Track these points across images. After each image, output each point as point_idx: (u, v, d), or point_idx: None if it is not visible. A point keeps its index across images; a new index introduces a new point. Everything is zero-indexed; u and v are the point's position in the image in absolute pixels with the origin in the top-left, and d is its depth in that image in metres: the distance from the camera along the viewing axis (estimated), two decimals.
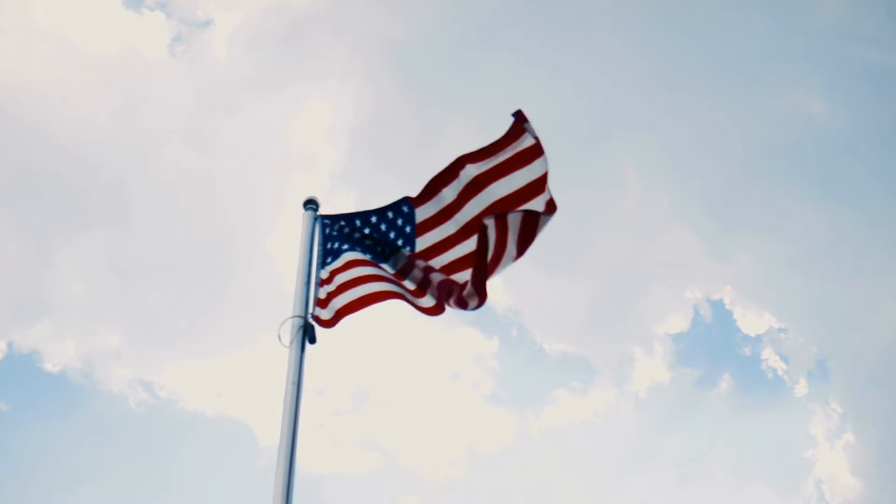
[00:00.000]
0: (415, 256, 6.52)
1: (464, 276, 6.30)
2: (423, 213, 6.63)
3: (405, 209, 6.63)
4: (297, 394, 5.57)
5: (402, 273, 6.52)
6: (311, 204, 6.66)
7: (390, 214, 6.61)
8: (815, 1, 23.38)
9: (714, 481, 21.02)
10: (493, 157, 6.47)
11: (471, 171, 6.50)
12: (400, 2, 23.05)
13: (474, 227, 6.31)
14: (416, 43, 22.67)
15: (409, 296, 6.51)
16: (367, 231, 6.59)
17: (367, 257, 6.51)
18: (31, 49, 20.91)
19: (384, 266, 6.53)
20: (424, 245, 6.58)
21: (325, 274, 6.31)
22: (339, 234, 6.56)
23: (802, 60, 23.25)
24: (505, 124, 6.48)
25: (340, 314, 6.27)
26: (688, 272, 22.96)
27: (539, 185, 6.34)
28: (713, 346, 23.17)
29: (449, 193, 6.58)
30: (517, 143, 6.44)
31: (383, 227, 6.60)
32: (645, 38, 22.90)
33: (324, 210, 6.67)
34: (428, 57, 22.92)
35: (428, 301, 6.49)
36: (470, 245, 6.34)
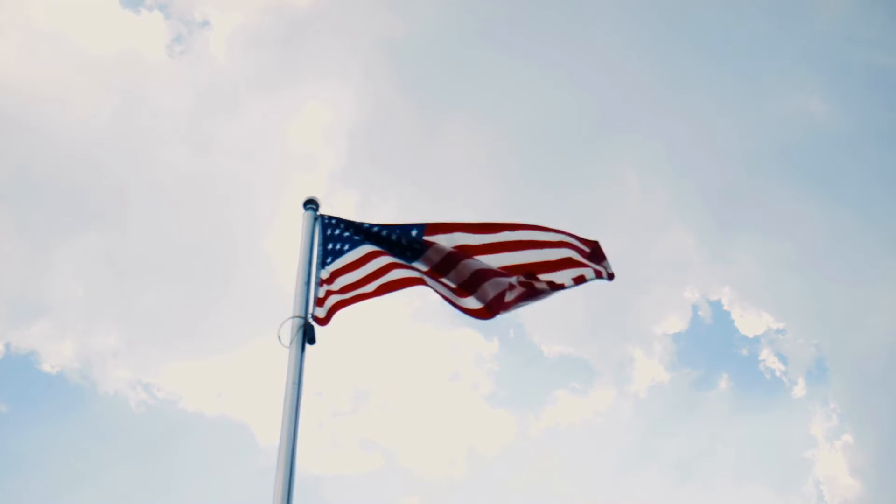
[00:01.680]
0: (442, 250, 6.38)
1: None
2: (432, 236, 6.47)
3: (413, 233, 6.48)
4: (298, 394, 5.56)
5: (438, 269, 6.38)
6: (311, 204, 6.65)
7: (397, 231, 6.49)
8: (816, 3, 23.40)
9: (714, 481, 21.03)
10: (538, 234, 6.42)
11: (505, 234, 6.42)
12: (400, 2, 23.07)
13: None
14: (416, 43, 22.68)
15: (448, 293, 6.35)
16: (373, 230, 6.51)
17: (376, 248, 6.38)
18: (31, 49, 20.91)
19: (397, 258, 6.38)
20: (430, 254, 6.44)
21: (325, 274, 6.28)
22: (340, 234, 6.52)
23: (803, 62, 23.29)
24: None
25: (337, 308, 6.16)
26: (687, 272, 22.97)
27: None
28: (712, 346, 23.19)
29: (467, 236, 6.44)
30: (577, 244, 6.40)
31: (390, 234, 6.51)
32: (645, 39, 22.92)
33: (324, 210, 6.67)
34: (428, 57, 22.94)
35: (472, 303, 6.33)
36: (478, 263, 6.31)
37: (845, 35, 22.77)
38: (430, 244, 6.37)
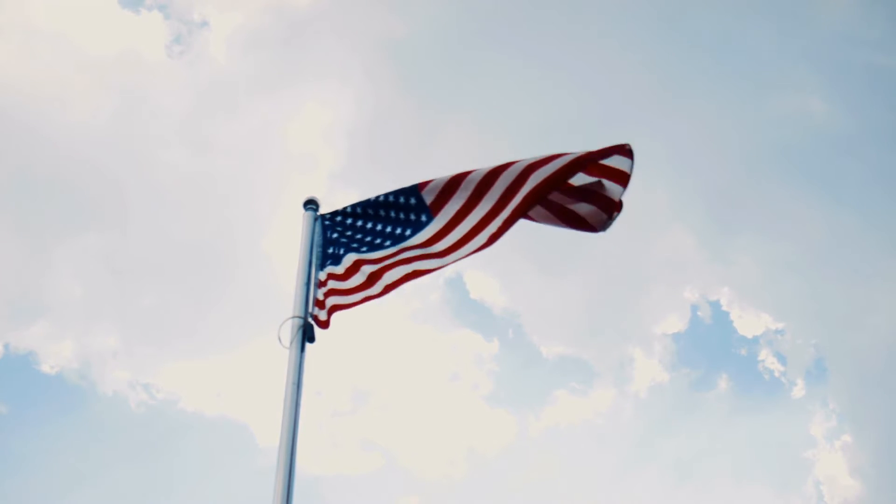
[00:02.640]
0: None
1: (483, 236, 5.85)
2: (434, 196, 6.18)
3: (413, 199, 6.27)
4: (297, 394, 5.56)
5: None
6: (311, 204, 6.64)
7: (401, 199, 6.30)
8: (816, 3, 23.40)
9: (713, 481, 21.05)
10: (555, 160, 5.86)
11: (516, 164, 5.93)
12: (400, 2, 23.07)
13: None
14: (416, 43, 22.69)
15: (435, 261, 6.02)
16: (374, 212, 6.40)
17: (372, 255, 6.25)
18: (31, 49, 20.92)
19: (394, 249, 6.20)
20: (442, 222, 6.11)
21: (323, 276, 6.25)
22: (340, 235, 6.49)
23: (803, 62, 23.30)
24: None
25: (337, 310, 6.10)
26: (686, 272, 22.98)
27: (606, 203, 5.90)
28: (711, 346, 23.21)
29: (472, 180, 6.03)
30: (601, 158, 5.78)
31: (391, 212, 6.36)
32: (646, 39, 22.93)
33: (324, 210, 6.66)
34: (428, 57, 22.95)
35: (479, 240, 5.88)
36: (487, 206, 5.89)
37: (845, 35, 22.78)
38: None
